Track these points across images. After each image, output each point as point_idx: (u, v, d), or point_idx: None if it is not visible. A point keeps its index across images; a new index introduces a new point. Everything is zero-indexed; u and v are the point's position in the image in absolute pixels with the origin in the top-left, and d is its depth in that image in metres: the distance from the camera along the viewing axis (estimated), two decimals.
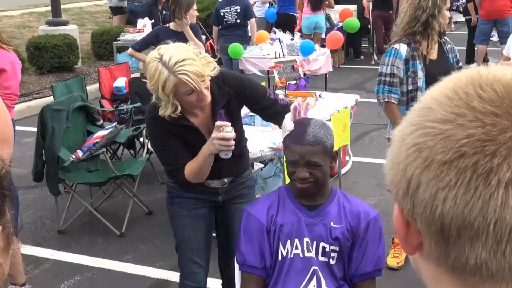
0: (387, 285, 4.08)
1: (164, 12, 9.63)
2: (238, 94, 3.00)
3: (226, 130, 2.76)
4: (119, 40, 9.44)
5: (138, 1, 11.46)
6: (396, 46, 3.98)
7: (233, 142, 2.78)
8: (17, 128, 4.46)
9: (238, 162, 3.15)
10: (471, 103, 0.69)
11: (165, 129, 2.93)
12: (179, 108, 2.82)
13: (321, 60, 7.69)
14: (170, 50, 2.75)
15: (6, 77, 4.03)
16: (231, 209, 3.21)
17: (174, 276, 4.41)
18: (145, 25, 9.31)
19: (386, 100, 4.01)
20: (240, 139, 3.12)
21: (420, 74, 3.96)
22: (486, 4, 9.86)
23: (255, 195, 3.35)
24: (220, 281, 3.43)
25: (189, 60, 2.72)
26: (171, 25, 6.28)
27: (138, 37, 9.18)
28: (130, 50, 6.57)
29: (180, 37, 6.34)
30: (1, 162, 0.89)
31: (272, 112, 3.02)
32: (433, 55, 4.03)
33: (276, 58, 6.66)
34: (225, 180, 3.12)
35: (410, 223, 0.74)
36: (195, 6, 6.33)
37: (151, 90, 2.82)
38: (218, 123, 2.79)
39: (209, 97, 2.84)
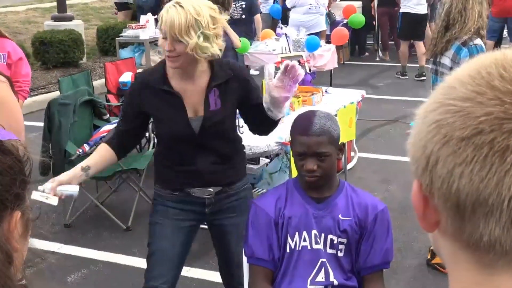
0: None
1: None
2: (238, 79, 2.85)
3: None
4: (121, 36, 9.45)
5: None
6: (477, 41, 3.92)
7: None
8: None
9: (227, 168, 2.92)
10: (492, 82, 0.70)
11: (143, 96, 2.84)
12: (160, 41, 2.74)
13: (326, 56, 7.70)
14: None
15: (22, 65, 4.15)
16: (223, 227, 3.02)
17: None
18: (147, 21, 9.31)
19: None
20: (231, 138, 2.95)
21: None
22: (499, 2, 9.61)
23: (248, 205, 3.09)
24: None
25: (190, 10, 2.61)
26: None
27: (141, 33, 9.19)
28: None
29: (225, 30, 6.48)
30: (23, 149, 0.91)
31: (263, 116, 2.85)
32: None
33: (282, 53, 6.66)
34: (211, 189, 2.92)
35: (427, 198, 0.76)
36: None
37: None
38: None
39: (179, 64, 2.71)
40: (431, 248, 4.32)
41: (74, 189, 2.69)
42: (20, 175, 0.88)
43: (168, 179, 2.96)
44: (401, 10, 10.11)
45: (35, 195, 2.57)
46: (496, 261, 0.71)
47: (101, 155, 2.88)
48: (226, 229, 3.01)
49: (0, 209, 0.83)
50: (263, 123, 2.93)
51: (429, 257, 4.36)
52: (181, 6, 2.61)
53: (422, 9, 10.03)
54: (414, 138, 0.77)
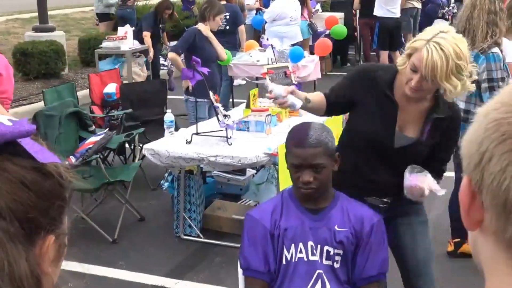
0: None
1: (161, 25, 9.63)
2: (451, 123, 2.85)
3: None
4: (101, 47, 9.36)
5: (130, 8, 11.42)
6: (494, 50, 3.93)
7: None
8: None
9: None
10: None
11: (364, 86, 2.87)
12: (407, 69, 2.68)
13: (310, 67, 7.71)
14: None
15: (1, 81, 4.01)
16: (397, 228, 3.01)
17: (169, 282, 4.40)
18: (126, 33, 9.27)
19: None
20: (417, 163, 2.86)
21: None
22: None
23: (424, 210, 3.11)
24: None
25: (451, 55, 2.55)
26: (201, 28, 6.25)
27: (121, 45, 9.12)
28: (173, 54, 6.21)
29: (209, 41, 6.33)
30: (64, 173, 0.88)
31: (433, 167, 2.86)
32: None
33: (268, 64, 6.66)
34: (386, 199, 2.94)
35: (475, 195, 0.77)
36: (223, 15, 6.39)
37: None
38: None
39: (420, 95, 2.73)
40: None
41: (298, 102, 2.79)
42: (59, 200, 0.85)
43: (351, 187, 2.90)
44: (378, 14, 10.21)
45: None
46: None
47: (321, 98, 2.93)
48: (403, 232, 3.03)
49: (34, 233, 0.81)
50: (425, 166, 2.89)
51: None
52: (442, 49, 2.55)
53: (398, 12, 10.28)
54: (471, 135, 0.78)
